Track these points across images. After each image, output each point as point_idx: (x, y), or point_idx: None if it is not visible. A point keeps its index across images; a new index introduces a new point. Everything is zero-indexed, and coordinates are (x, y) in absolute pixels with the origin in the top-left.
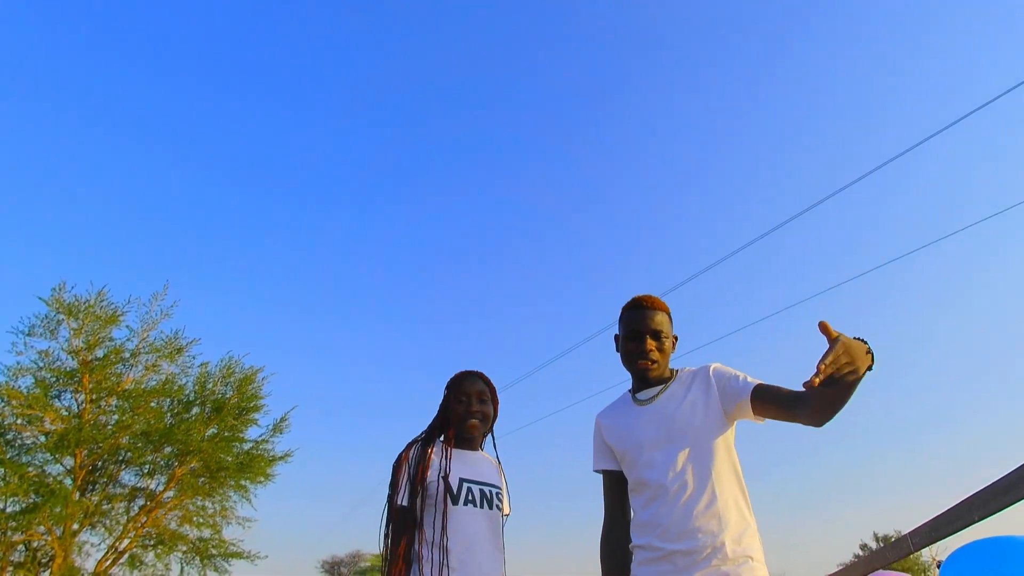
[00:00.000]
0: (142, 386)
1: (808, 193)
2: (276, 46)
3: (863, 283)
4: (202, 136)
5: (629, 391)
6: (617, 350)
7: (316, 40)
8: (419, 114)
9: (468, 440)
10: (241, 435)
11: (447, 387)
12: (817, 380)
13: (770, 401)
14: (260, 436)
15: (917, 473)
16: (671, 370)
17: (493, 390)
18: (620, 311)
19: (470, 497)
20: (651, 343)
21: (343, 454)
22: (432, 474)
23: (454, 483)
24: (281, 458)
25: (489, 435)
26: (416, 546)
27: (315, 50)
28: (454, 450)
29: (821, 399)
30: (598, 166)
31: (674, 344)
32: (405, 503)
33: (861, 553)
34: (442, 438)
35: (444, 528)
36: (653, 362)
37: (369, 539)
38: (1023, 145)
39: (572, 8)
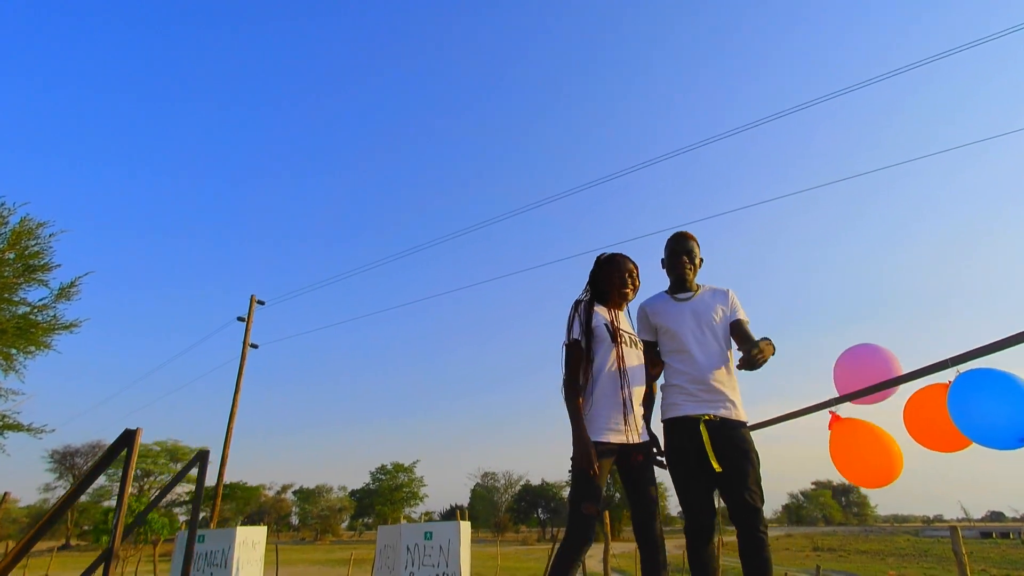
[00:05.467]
0: None
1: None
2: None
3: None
4: None
5: (666, 291)
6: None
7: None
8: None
9: (620, 304)
10: (16, 296)
11: (604, 263)
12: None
13: (734, 334)
14: (41, 300)
15: None
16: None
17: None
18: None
19: (624, 339)
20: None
21: (118, 332)
22: (597, 321)
23: (614, 330)
24: (67, 327)
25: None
26: (594, 371)
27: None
28: (615, 310)
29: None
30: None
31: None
32: (578, 337)
33: None
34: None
35: (620, 357)
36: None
37: (115, 429)
38: None
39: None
